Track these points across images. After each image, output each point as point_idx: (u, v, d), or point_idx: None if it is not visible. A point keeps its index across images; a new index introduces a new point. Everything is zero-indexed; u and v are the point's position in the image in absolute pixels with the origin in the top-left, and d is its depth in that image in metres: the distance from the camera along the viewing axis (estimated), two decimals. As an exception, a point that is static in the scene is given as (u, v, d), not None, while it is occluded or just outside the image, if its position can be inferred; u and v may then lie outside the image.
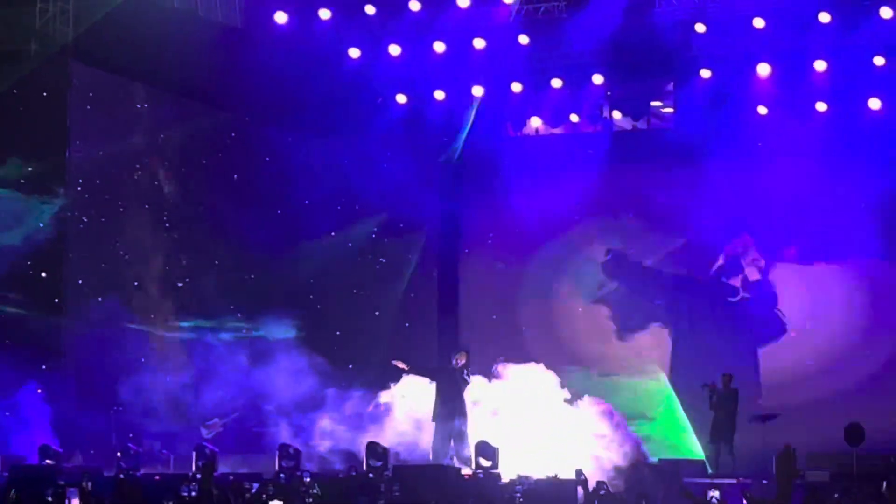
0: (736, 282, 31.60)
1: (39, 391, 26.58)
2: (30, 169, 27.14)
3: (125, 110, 29.04)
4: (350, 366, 29.73)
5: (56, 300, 27.41)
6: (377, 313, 32.40)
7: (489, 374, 27.00)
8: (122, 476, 23.38)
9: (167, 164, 29.63)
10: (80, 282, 28.09)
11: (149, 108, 29.33)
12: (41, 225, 26.97)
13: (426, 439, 25.40)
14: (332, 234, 31.86)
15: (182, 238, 29.76)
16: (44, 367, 26.94)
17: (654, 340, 32.11)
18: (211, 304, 29.87)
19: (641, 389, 31.22)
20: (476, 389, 26.21)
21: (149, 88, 29.36)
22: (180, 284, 29.65)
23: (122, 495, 16.51)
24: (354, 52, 30.34)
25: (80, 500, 17.16)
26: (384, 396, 26.99)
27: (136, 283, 29.01)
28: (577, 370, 30.60)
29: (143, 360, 28.41)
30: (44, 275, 27.26)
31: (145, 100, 29.29)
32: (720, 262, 31.70)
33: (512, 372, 26.57)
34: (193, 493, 19.78)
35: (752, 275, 31.51)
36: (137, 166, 29.08)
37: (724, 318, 31.56)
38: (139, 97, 29.18)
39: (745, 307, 31.40)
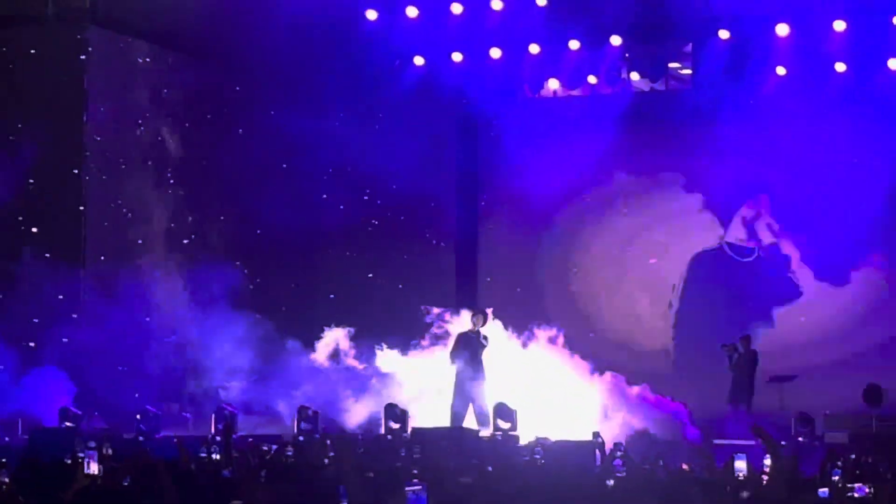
0: (751, 243, 31.58)
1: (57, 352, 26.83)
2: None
3: (131, 68, 29.19)
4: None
5: (75, 259, 27.70)
6: (400, 286, 32.30)
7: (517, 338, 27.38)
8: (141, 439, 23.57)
9: (171, 120, 29.71)
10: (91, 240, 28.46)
11: (152, 64, 29.41)
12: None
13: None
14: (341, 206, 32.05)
15: (187, 195, 29.89)
16: (61, 326, 27.19)
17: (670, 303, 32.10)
18: (218, 262, 29.80)
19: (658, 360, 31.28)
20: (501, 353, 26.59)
21: (154, 46, 29.42)
22: (186, 241, 29.75)
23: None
24: (371, 14, 30.29)
25: (99, 463, 17.11)
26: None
27: (139, 242, 29.16)
28: (595, 338, 30.77)
29: (147, 319, 28.54)
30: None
31: (148, 55, 29.38)
32: (736, 222, 31.67)
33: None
34: (214, 455, 19.84)
35: (766, 237, 31.50)
36: (140, 122, 29.16)
37: (738, 280, 31.51)
38: (142, 53, 29.24)
39: (759, 270, 31.33)
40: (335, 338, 28.12)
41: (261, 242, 30.99)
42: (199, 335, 28.14)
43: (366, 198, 32.37)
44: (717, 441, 23.37)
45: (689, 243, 32.12)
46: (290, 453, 20.44)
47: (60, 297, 27.30)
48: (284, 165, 31.24)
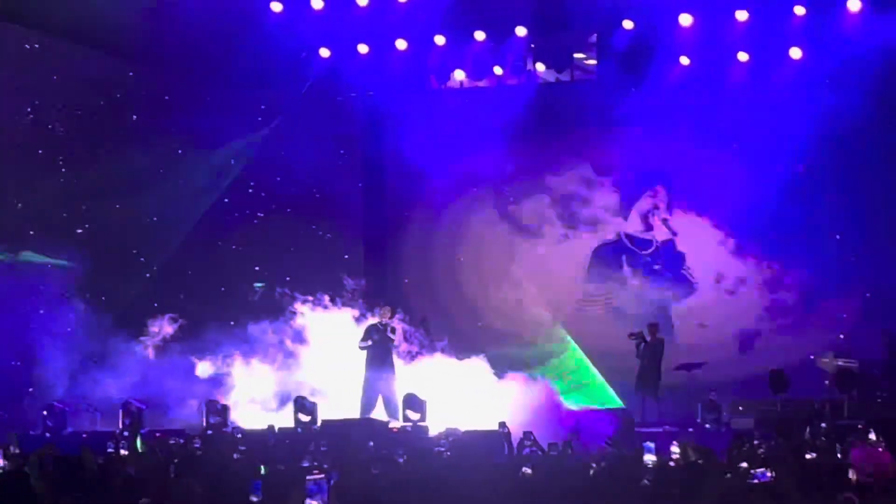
0: (648, 236, 31.71)
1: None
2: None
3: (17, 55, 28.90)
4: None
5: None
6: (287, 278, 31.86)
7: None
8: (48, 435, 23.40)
9: (61, 108, 29.41)
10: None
11: (42, 51, 29.10)
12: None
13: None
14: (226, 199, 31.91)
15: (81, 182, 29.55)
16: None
17: (571, 294, 32.16)
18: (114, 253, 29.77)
19: (552, 351, 31.16)
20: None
21: (45, 35, 29.11)
22: (79, 231, 29.47)
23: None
24: (276, 6, 30.19)
25: (5, 460, 16.99)
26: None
27: (31, 232, 28.85)
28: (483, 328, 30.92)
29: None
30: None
31: (38, 43, 29.09)
32: (634, 214, 31.78)
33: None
34: (122, 451, 19.79)
35: (662, 232, 31.63)
36: (29, 109, 28.87)
37: (639, 272, 31.63)
38: (31, 41, 28.95)
39: (658, 261, 31.48)
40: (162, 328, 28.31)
41: (148, 237, 30.74)
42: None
43: (263, 194, 32.16)
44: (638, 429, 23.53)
45: (590, 234, 32.14)
46: (197, 446, 20.39)
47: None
48: (179, 155, 30.97)
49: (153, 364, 27.62)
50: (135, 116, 30.74)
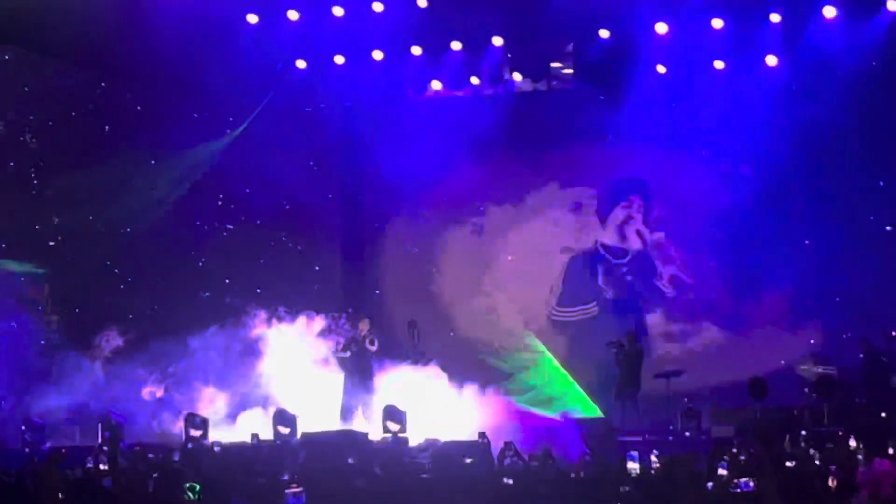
0: (625, 245, 31.76)
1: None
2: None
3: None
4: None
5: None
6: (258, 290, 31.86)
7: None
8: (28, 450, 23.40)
9: (32, 119, 29.44)
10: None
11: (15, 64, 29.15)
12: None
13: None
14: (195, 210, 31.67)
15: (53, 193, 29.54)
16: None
17: (545, 304, 32.22)
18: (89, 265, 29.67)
19: (527, 361, 31.20)
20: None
21: (16, 47, 29.11)
22: (52, 243, 29.45)
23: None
24: (252, 18, 30.19)
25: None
26: None
27: (3, 245, 28.77)
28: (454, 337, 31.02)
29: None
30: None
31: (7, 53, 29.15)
32: (610, 224, 31.82)
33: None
34: (101, 465, 19.79)
35: (636, 243, 31.67)
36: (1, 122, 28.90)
37: (613, 281, 31.68)
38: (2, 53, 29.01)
39: (632, 271, 31.56)
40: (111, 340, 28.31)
41: (121, 247, 30.57)
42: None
43: (232, 206, 32.09)
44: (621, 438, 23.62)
45: (566, 243, 32.17)
46: (176, 459, 20.40)
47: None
48: (152, 165, 30.93)
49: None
50: (107, 127, 30.67)
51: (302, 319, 28.22)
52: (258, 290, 29.75)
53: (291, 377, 27.12)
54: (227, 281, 30.76)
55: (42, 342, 28.37)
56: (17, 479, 15.60)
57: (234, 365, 27.75)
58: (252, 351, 27.72)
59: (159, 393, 27.13)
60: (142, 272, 30.19)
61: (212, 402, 26.95)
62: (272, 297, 29.15)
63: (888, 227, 28.89)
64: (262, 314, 28.09)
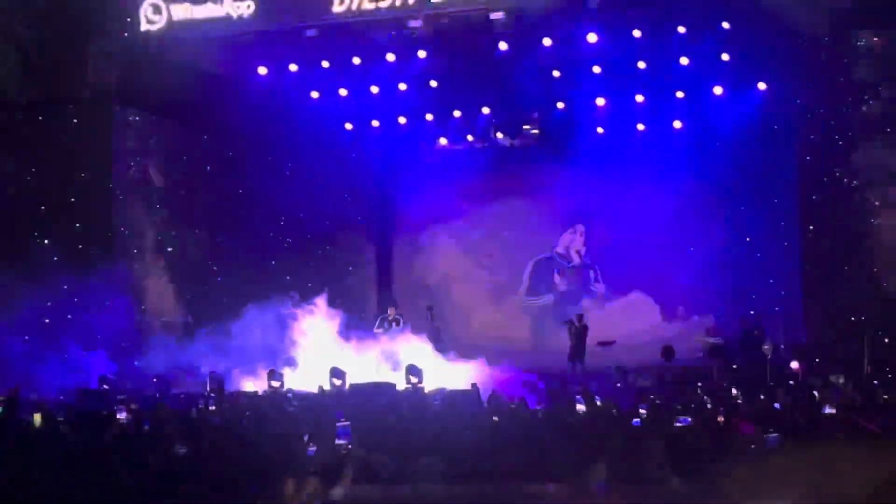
0: (570, 255, 31.80)
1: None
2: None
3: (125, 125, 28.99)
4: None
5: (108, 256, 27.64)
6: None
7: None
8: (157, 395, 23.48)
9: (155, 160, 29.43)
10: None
11: (141, 123, 29.16)
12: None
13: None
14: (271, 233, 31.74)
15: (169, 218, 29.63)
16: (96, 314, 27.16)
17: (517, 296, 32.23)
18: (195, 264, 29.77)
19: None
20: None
21: (143, 112, 29.15)
22: (170, 249, 29.40)
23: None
24: (315, 94, 30.33)
25: (128, 414, 17.12)
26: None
27: (135, 251, 28.85)
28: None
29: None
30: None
31: (138, 116, 29.15)
32: (562, 240, 31.86)
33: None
34: (210, 407, 19.85)
35: (576, 258, 31.69)
36: (132, 164, 28.82)
37: (563, 280, 31.69)
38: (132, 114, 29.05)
39: (576, 273, 31.53)
40: None
41: (219, 252, 30.60)
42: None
43: (291, 225, 31.87)
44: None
45: (532, 253, 32.18)
46: (264, 404, 20.44)
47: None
48: (240, 194, 31.02)
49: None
50: (208, 167, 30.80)
51: (341, 307, 28.24)
52: (309, 285, 29.50)
53: (336, 349, 26.95)
54: (287, 278, 30.50)
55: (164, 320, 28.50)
56: (151, 418, 15.61)
57: (288, 340, 27.53)
58: (303, 331, 27.50)
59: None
60: (230, 270, 30.13)
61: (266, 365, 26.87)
62: (319, 290, 28.75)
63: (691, 249, 29.34)
64: (315, 301, 27.90)
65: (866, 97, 24.49)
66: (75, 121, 28.07)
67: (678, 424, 12.53)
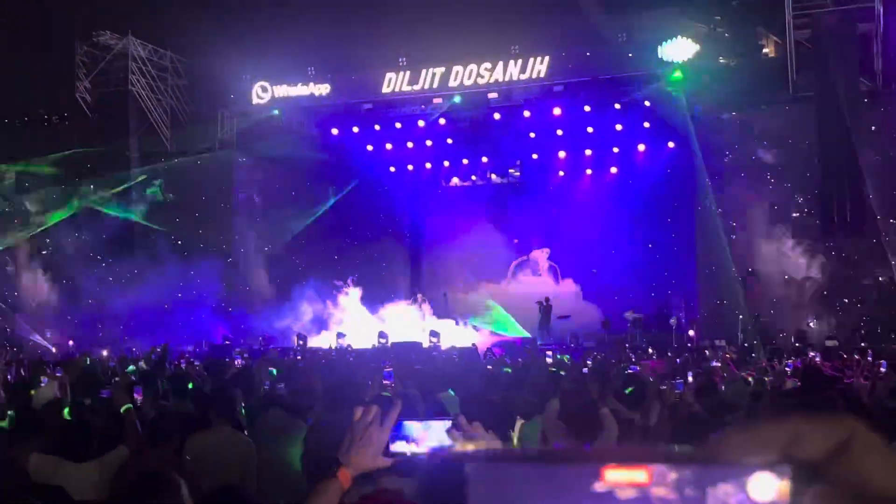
0: (540, 262, 31.44)
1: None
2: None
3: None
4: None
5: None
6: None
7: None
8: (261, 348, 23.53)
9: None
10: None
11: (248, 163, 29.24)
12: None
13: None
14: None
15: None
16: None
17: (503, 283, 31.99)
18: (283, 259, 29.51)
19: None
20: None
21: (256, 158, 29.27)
22: (266, 248, 29.33)
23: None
24: (370, 147, 30.45)
25: (242, 360, 17.15)
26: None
27: (254, 249, 28.85)
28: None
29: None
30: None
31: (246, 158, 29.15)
32: (532, 255, 31.45)
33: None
34: (297, 357, 19.87)
35: (544, 269, 31.36)
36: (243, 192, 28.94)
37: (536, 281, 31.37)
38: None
39: (544, 277, 31.23)
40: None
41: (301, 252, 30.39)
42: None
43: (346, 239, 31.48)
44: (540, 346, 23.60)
45: (515, 258, 31.80)
46: (333, 354, 20.51)
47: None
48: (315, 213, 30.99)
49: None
50: (293, 193, 30.73)
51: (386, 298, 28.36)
52: (355, 276, 29.43)
53: (378, 319, 27.02)
54: (344, 270, 30.05)
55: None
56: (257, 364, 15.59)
57: (345, 312, 27.67)
58: (356, 307, 27.66)
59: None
60: (306, 263, 29.91)
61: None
62: (367, 284, 28.95)
63: (594, 270, 28.94)
64: (359, 292, 28.03)
65: (728, 153, 24.61)
66: (208, 163, 28.41)
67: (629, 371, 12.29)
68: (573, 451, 0.67)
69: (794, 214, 24.13)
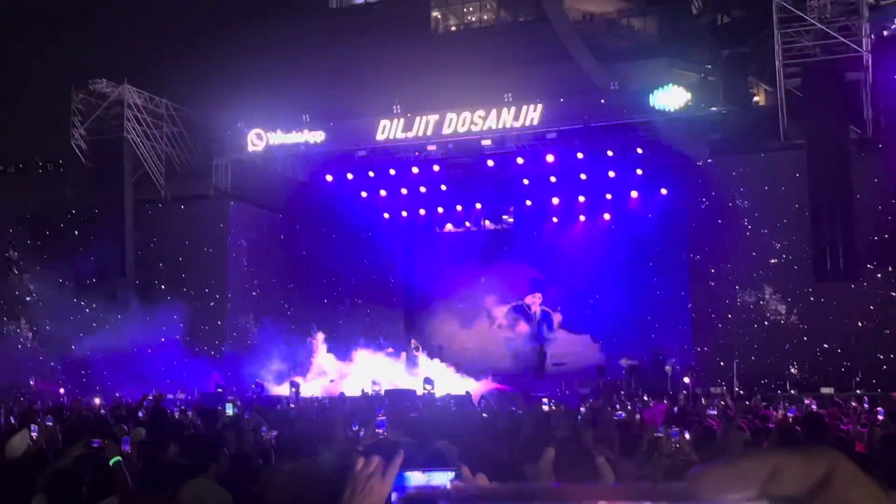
0: (534, 308, 31.15)
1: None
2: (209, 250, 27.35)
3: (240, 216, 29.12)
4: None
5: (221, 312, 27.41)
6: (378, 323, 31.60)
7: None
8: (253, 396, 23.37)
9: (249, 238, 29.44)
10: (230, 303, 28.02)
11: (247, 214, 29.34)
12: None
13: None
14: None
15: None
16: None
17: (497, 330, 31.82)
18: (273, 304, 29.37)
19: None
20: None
21: (249, 205, 29.32)
22: (254, 294, 29.47)
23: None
24: (364, 194, 30.59)
25: (233, 407, 16.97)
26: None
27: (246, 295, 28.82)
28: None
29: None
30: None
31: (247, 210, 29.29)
32: (527, 299, 31.22)
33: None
34: (291, 404, 19.72)
35: (537, 311, 31.03)
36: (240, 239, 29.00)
37: (530, 323, 31.23)
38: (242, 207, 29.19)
39: (540, 319, 30.98)
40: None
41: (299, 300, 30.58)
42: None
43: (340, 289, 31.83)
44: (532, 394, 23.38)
45: (509, 301, 31.49)
46: (326, 403, 20.31)
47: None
48: (305, 258, 30.94)
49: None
50: (282, 237, 30.93)
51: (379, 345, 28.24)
52: (348, 323, 29.52)
53: (373, 371, 26.41)
54: (340, 321, 30.36)
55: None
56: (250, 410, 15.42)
57: (338, 360, 27.50)
58: (350, 356, 27.39)
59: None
60: (298, 310, 29.79)
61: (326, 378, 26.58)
62: (360, 330, 28.88)
63: (591, 300, 28.55)
64: (362, 342, 27.92)
65: (729, 203, 24.72)
66: (201, 210, 28.47)
67: (615, 418, 12.23)
68: (551, 490, 0.67)
69: (773, 261, 24.08)
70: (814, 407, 15.08)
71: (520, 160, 28.12)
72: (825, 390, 20.25)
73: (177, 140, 29.13)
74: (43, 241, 29.05)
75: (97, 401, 19.81)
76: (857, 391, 20.31)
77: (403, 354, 27.69)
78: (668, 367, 25.38)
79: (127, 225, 27.45)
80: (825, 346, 23.12)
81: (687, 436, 7.62)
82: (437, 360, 27.68)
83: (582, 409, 14.81)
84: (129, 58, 29.05)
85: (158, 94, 28.77)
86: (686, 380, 24.42)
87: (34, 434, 7.86)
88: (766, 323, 23.87)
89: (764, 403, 16.63)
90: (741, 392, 21.45)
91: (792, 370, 23.04)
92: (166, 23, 30.13)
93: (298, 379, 25.24)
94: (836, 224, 22.09)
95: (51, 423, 9.33)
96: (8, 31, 29.73)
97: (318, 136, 28.15)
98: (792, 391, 20.83)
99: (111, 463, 5.98)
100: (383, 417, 10.00)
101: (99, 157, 28.19)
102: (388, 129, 27.44)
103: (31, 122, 29.75)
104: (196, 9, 29.17)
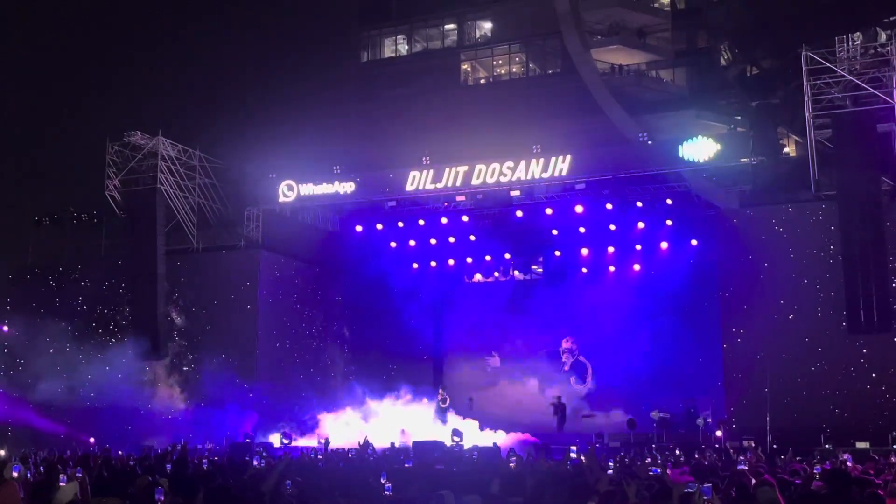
0: (565, 356, 31.01)
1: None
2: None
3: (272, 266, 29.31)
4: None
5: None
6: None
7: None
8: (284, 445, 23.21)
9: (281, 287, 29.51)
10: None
11: (281, 265, 29.49)
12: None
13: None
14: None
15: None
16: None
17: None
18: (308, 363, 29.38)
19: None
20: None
21: (280, 255, 29.48)
22: (284, 343, 29.36)
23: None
24: (393, 244, 30.73)
25: (261, 460, 16.95)
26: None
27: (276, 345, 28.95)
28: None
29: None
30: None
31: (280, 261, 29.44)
32: (562, 344, 31.05)
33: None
34: (319, 455, 19.59)
35: (569, 357, 30.82)
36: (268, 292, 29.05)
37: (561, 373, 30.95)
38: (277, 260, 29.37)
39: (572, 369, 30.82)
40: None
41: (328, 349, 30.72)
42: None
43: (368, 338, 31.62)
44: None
45: (542, 348, 31.11)
46: (351, 455, 20.16)
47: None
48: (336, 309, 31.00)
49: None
50: (318, 292, 31.01)
51: (407, 395, 28.15)
52: (378, 373, 29.52)
53: (401, 421, 26.42)
54: (369, 372, 30.30)
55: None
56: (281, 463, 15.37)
57: (365, 413, 27.44)
58: (380, 408, 27.33)
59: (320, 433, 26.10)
60: (327, 364, 30.00)
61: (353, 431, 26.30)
62: (389, 381, 28.91)
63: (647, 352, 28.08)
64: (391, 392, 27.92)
65: (760, 254, 24.58)
66: (233, 260, 28.75)
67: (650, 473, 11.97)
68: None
69: (806, 312, 23.71)
70: (849, 462, 14.81)
71: (549, 211, 28.18)
72: (860, 445, 19.87)
73: (209, 191, 29.52)
74: (75, 291, 29.43)
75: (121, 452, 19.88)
76: (895, 446, 19.90)
77: (432, 405, 27.56)
78: (699, 421, 25.04)
79: (159, 273, 27.77)
80: (860, 399, 22.75)
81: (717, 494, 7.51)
82: (465, 412, 27.52)
83: (610, 464, 14.61)
84: (163, 111, 29.79)
85: (191, 146, 29.26)
86: (718, 433, 24.08)
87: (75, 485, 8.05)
88: (798, 377, 23.53)
89: (798, 458, 16.32)
90: (775, 446, 21.07)
91: (826, 424, 22.67)
92: (199, 77, 30.90)
93: (327, 429, 25.18)
94: (869, 275, 21.87)
95: (80, 475, 9.39)
96: (46, 85, 30.51)
97: (348, 187, 28.45)
98: (827, 445, 20.43)
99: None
100: (389, 484, 9.64)
101: (132, 207, 28.62)
102: (418, 180, 27.69)
103: (67, 173, 30.40)
104: (229, 63, 29.89)
